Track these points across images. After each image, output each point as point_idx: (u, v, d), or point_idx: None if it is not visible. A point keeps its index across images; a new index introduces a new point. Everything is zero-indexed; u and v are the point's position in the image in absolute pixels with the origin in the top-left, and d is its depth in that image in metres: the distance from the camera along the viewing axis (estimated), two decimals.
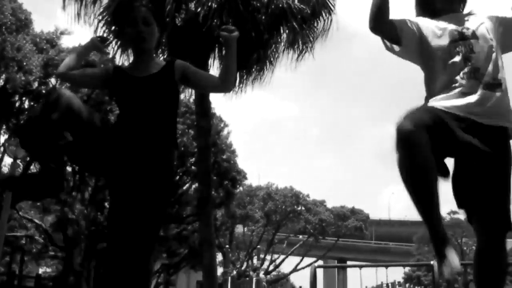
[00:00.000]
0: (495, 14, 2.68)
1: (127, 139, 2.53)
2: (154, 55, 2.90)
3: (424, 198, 2.18)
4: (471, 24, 2.57)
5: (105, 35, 9.90)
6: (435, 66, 2.52)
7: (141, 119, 2.57)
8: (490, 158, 2.37)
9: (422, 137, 2.12)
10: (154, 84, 2.64)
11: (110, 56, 10.19)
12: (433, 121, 2.23)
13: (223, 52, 10.59)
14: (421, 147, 2.11)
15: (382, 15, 2.50)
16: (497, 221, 2.37)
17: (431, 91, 2.53)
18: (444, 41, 2.52)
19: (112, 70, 2.74)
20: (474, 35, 2.52)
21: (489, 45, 2.51)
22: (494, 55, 2.50)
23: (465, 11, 2.75)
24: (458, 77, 2.44)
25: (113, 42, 9.73)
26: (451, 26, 2.55)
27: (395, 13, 2.58)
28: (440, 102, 2.40)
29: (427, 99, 2.54)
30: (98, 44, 2.79)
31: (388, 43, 2.63)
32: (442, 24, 2.58)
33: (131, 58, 2.99)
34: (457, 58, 2.47)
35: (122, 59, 10.08)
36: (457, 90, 2.41)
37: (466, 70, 2.44)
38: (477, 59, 2.46)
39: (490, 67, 2.45)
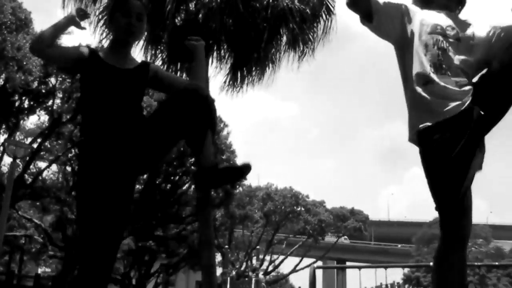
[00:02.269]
0: (489, 23, 2.69)
1: (103, 126, 2.57)
2: (156, 51, 2.95)
3: None
4: (458, 27, 2.61)
5: (104, 34, 9.90)
6: (411, 52, 2.58)
7: (115, 109, 2.59)
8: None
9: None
10: (132, 79, 2.68)
11: (97, 43, 10.06)
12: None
13: (223, 51, 10.64)
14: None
15: None
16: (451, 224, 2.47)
17: (407, 75, 2.61)
18: (425, 30, 2.57)
19: (88, 53, 2.68)
20: (456, 36, 2.57)
21: (467, 51, 2.56)
22: (468, 63, 2.54)
23: (462, 16, 2.78)
24: (429, 70, 2.49)
25: (104, 33, 9.75)
26: (436, 20, 2.60)
27: None
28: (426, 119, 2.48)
29: (405, 81, 2.63)
30: (76, 18, 2.70)
31: (361, 18, 2.69)
32: (430, 15, 2.63)
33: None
34: (433, 50, 2.52)
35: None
36: (426, 78, 2.49)
37: (438, 64, 2.49)
38: (449, 59, 2.50)
39: (458, 72, 2.50)
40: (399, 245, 56.58)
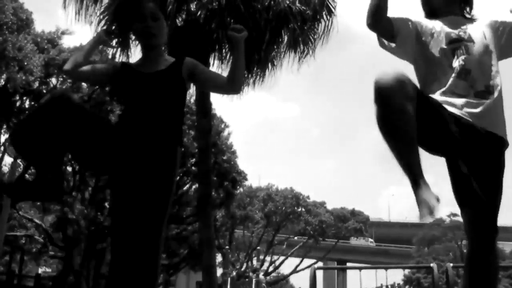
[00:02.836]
0: (495, 18, 2.67)
1: (131, 136, 2.50)
2: (164, 50, 2.88)
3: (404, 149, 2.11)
4: (468, 28, 2.58)
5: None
6: (430, 67, 2.53)
7: (146, 115, 2.53)
8: (482, 163, 2.37)
9: (407, 98, 2.05)
10: (161, 81, 2.61)
11: (110, 55, 10.16)
12: (424, 97, 2.24)
13: (224, 52, 10.64)
14: (403, 110, 2.04)
15: (380, 12, 2.48)
16: (485, 225, 2.37)
17: (424, 91, 2.50)
18: (441, 43, 2.52)
19: (120, 66, 2.72)
20: (470, 38, 2.53)
21: (484, 50, 2.52)
22: (488, 60, 2.51)
23: (468, 14, 2.74)
24: (451, 78, 2.44)
25: (113, 42, 9.73)
26: (448, 29, 2.56)
27: (396, 11, 2.59)
28: (436, 96, 2.42)
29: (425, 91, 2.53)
30: (104, 37, 2.77)
31: (382, 40, 2.62)
32: (440, 25, 2.59)
33: (133, 57, 2.99)
34: (451, 61, 2.47)
35: (122, 58, 10.07)
36: (448, 91, 2.42)
37: (458, 71, 2.44)
38: (470, 62, 2.46)
39: (482, 73, 2.46)
40: (370, 241, 56.53)
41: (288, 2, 9.80)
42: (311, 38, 10.44)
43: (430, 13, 2.70)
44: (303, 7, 9.93)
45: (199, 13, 9.54)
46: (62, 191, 2.45)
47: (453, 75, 2.44)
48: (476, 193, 2.35)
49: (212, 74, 2.87)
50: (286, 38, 10.43)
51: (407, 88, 2.07)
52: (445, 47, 2.51)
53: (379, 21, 2.50)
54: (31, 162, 2.45)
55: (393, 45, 2.58)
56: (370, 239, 57.10)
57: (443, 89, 2.44)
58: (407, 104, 2.04)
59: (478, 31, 2.57)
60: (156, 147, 2.51)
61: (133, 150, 2.49)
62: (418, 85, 2.54)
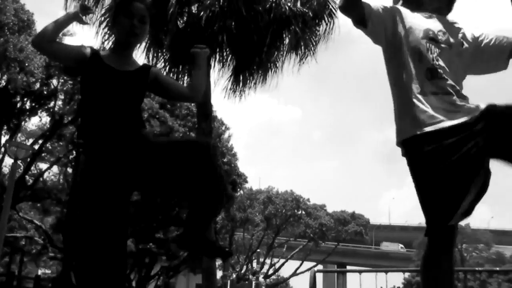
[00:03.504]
0: (478, 30, 2.69)
1: (102, 125, 2.56)
2: (158, 54, 2.92)
3: None
4: (448, 31, 2.59)
5: (106, 36, 9.92)
6: (402, 57, 2.55)
7: (111, 109, 2.58)
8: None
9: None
10: (129, 81, 2.66)
11: (100, 44, 10.08)
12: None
13: (225, 55, 10.64)
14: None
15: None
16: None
17: (397, 80, 2.57)
18: (417, 35, 2.53)
19: (90, 53, 2.68)
20: (448, 41, 2.54)
21: (458, 56, 2.54)
22: (458, 68, 2.53)
23: (450, 18, 2.75)
24: (423, 76, 2.46)
25: (106, 35, 9.77)
26: (428, 25, 2.57)
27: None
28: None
29: (395, 86, 2.59)
30: (79, 13, 2.72)
31: (356, 24, 2.66)
32: (421, 19, 2.61)
33: None
34: (426, 55, 2.49)
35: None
36: (427, 90, 2.43)
37: (433, 69, 2.46)
38: (443, 65, 2.47)
39: (452, 77, 2.47)
40: (400, 246, 56.57)
41: (289, 4, 9.81)
42: (312, 40, 10.45)
43: (418, 6, 2.70)
44: (304, 9, 9.95)
45: (200, 15, 9.55)
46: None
47: (427, 73, 2.46)
48: None
49: (174, 83, 3.03)
50: (287, 40, 10.44)
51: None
52: (420, 40, 2.52)
53: (352, 5, 2.55)
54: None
55: (363, 28, 2.62)
56: (401, 245, 57.19)
57: (419, 88, 2.46)
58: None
59: (458, 37, 2.59)
60: (125, 131, 2.59)
61: (107, 137, 2.55)
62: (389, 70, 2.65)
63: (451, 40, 2.55)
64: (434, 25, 2.58)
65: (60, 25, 2.65)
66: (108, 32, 9.86)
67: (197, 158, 2.49)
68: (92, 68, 2.63)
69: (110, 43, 9.37)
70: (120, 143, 2.55)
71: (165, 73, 10.40)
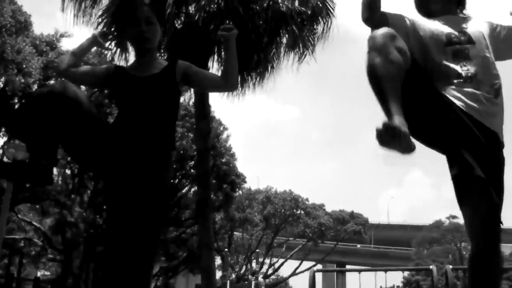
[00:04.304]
0: (492, 20, 2.67)
1: (124, 139, 2.50)
2: (158, 55, 2.89)
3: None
4: (467, 29, 2.57)
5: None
6: (428, 67, 2.51)
7: (140, 119, 2.54)
8: (485, 160, 2.35)
9: (399, 50, 2.19)
10: (155, 84, 2.61)
11: (109, 57, 10.15)
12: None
13: (223, 54, 10.64)
14: (394, 59, 2.16)
15: (375, 4, 2.52)
16: (490, 225, 2.32)
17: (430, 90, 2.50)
18: (440, 43, 2.51)
19: (114, 69, 2.71)
20: (470, 40, 2.52)
21: (485, 51, 2.51)
22: (490, 61, 2.51)
23: (464, 14, 2.73)
24: (454, 81, 2.43)
25: (112, 44, 9.73)
26: (447, 29, 2.55)
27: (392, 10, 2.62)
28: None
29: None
30: (99, 39, 2.75)
31: None
32: (438, 25, 2.58)
33: (131, 60, 3.00)
34: (452, 63, 2.46)
35: (121, 60, 10.08)
36: (455, 93, 2.41)
37: (462, 75, 2.43)
38: (473, 65, 2.45)
39: (486, 74, 2.45)
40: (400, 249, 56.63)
41: (286, 3, 9.81)
42: (310, 39, 10.45)
43: (428, 14, 2.69)
44: (302, 8, 9.95)
45: (197, 15, 9.54)
46: (51, 177, 2.43)
47: (459, 80, 2.43)
48: (480, 190, 2.32)
49: (206, 74, 2.93)
50: (285, 39, 10.45)
51: (400, 42, 2.22)
52: (444, 47, 2.49)
53: (375, 14, 2.53)
54: (27, 145, 2.43)
55: None
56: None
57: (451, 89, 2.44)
58: (399, 56, 2.17)
59: (477, 32, 2.56)
60: (149, 150, 2.51)
61: (127, 154, 2.49)
62: None
63: (473, 36, 2.53)
64: (452, 27, 2.56)
65: (82, 52, 2.71)
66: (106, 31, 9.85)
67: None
68: (118, 82, 2.64)
69: (111, 45, 9.38)
70: (138, 168, 2.48)
71: None
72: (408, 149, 2.10)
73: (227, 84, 2.71)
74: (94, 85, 2.85)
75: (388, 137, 1.99)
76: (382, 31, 2.22)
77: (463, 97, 2.40)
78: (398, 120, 2.05)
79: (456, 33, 2.53)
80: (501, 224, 2.35)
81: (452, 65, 2.46)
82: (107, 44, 2.83)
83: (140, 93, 2.58)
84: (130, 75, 2.66)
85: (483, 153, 2.35)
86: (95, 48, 2.88)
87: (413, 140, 2.13)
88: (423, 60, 2.51)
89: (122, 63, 9.79)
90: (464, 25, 2.59)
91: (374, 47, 2.19)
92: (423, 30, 2.56)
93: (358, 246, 53.03)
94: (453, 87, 2.43)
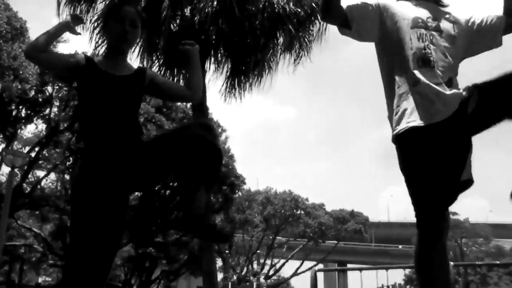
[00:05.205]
0: (471, 14, 2.69)
1: (100, 132, 2.56)
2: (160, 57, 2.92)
3: None
4: (437, 17, 2.59)
5: (99, 42, 9.91)
6: (394, 49, 2.56)
7: (109, 114, 2.58)
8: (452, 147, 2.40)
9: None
10: (127, 85, 2.66)
11: (92, 50, 10.08)
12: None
13: (219, 57, 10.64)
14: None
15: (329, 5, 2.56)
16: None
17: (391, 72, 2.58)
18: (406, 25, 2.54)
19: (84, 60, 2.67)
20: (437, 28, 2.54)
21: (449, 43, 2.53)
22: (453, 53, 2.53)
23: (442, 5, 2.74)
24: (413, 65, 2.47)
25: (99, 40, 9.76)
26: (416, 13, 2.57)
27: None
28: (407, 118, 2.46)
29: (389, 80, 2.60)
30: (70, 23, 2.68)
31: (341, 28, 2.66)
32: (408, 8, 2.61)
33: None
34: (418, 44, 2.49)
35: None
36: (418, 80, 2.44)
37: (425, 57, 2.46)
38: (435, 53, 2.48)
39: (444, 64, 2.48)
40: (400, 246, 56.62)
41: (282, 4, 9.81)
42: (306, 40, 10.46)
43: None
44: (297, 9, 9.95)
45: (193, 18, 9.55)
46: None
47: (416, 62, 2.47)
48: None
49: (172, 84, 3.06)
50: (281, 40, 10.46)
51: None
52: (409, 30, 2.53)
53: (331, 13, 2.58)
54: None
55: (348, 31, 2.63)
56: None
57: (411, 79, 2.47)
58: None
59: (448, 23, 2.59)
60: (123, 137, 2.58)
61: (105, 142, 2.55)
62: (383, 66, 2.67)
63: (441, 25, 2.56)
64: (422, 12, 2.58)
65: (52, 35, 2.63)
66: (102, 37, 9.85)
67: (196, 146, 2.46)
68: (88, 74, 2.63)
69: (104, 48, 9.37)
70: (118, 148, 2.53)
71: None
72: None
73: (193, 95, 2.83)
74: (58, 71, 2.81)
75: None
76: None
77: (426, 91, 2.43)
78: None
79: (424, 18, 2.56)
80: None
81: (415, 47, 2.49)
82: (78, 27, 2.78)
83: (112, 90, 2.61)
84: (102, 70, 2.65)
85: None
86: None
87: None
88: (396, 41, 2.56)
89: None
90: (436, 13, 2.61)
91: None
92: (395, 13, 2.59)
93: (359, 244, 53.05)
94: (417, 86, 2.46)
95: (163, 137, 2.69)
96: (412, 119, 2.42)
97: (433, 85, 2.41)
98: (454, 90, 2.45)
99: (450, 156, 2.36)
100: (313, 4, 10.13)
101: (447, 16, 2.63)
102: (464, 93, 2.44)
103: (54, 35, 2.64)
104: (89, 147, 2.56)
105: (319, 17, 10.36)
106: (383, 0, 2.66)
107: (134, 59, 10.15)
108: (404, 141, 2.46)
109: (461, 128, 2.37)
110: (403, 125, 2.44)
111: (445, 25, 2.57)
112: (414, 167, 2.43)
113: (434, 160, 2.35)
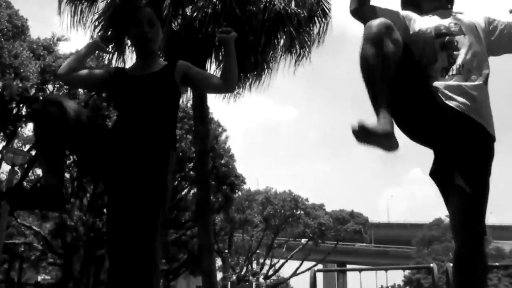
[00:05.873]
0: (487, 15, 2.67)
1: (123, 140, 2.50)
2: (160, 56, 2.91)
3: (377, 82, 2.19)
4: (458, 20, 2.57)
5: None
6: (423, 61, 2.51)
7: (137, 118, 2.54)
8: (471, 155, 2.35)
9: (394, 42, 2.19)
10: (153, 82, 2.62)
11: (106, 61, 10.15)
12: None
13: (221, 56, 10.63)
14: (388, 53, 2.16)
15: (364, 2, 2.54)
16: (472, 221, 2.30)
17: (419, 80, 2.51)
18: (430, 35, 2.51)
19: (114, 71, 2.73)
20: (460, 30, 2.52)
21: (476, 41, 2.51)
22: (480, 51, 2.50)
23: (454, 10, 2.73)
24: (443, 74, 2.44)
25: (109, 47, 9.72)
26: (436, 22, 2.55)
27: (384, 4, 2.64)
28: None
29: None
30: (100, 43, 2.76)
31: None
32: (429, 20, 2.59)
33: (128, 62, 3.00)
34: (442, 54, 2.46)
35: (119, 63, 10.08)
36: (443, 84, 2.41)
37: (450, 66, 2.44)
38: (462, 54, 2.45)
39: (475, 64, 2.45)
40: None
41: (283, 4, 9.80)
42: (307, 40, 10.45)
43: (419, 8, 2.70)
44: (298, 9, 9.94)
45: (194, 17, 9.54)
46: (64, 199, 2.46)
47: (445, 69, 2.44)
48: (461, 186, 2.30)
49: (206, 75, 2.91)
50: (282, 40, 10.44)
51: (395, 33, 2.22)
52: (433, 39, 2.50)
53: (363, 6, 2.54)
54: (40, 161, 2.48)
55: None
56: None
57: (438, 82, 2.44)
58: (393, 48, 2.18)
59: (468, 23, 2.57)
60: (148, 151, 2.50)
61: (126, 154, 2.48)
62: None
63: (464, 28, 2.53)
64: (442, 20, 2.57)
65: (83, 56, 2.72)
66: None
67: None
68: (116, 82, 2.65)
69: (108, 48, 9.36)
70: (134, 168, 2.48)
71: None
72: (390, 147, 2.11)
73: (226, 86, 2.70)
74: (93, 88, 2.85)
75: (364, 136, 2.01)
76: (379, 21, 2.21)
77: (449, 93, 2.39)
78: (383, 116, 2.09)
79: (446, 24, 2.54)
80: (484, 221, 2.33)
81: (440, 58, 2.47)
82: (108, 47, 2.82)
83: (138, 91, 2.59)
84: (130, 75, 2.67)
85: (466, 149, 2.34)
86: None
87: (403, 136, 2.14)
88: (419, 55, 2.52)
89: (121, 65, 9.78)
90: (454, 18, 2.60)
91: (369, 37, 2.19)
92: (416, 25, 2.57)
93: (359, 245, 53.06)
94: (441, 82, 2.43)
95: None
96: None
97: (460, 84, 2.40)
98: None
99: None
100: (314, 4, 10.13)
101: (465, 18, 2.61)
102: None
103: (85, 56, 2.73)
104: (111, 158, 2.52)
105: (320, 18, 10.37)
106: (406, 12, 2.65)
107: (135, 59, 10.16)
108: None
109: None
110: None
111: (466, 27, 2.54)
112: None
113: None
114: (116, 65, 9.98)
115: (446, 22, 2.55)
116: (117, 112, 2.70)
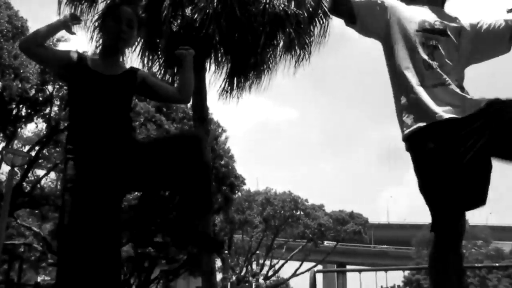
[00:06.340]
0: (477, 19, 2.68)
1: (89, 131, 2.56)
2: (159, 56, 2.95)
3: None
4: (445, 21, 2.58)
5: (100, 41, 9.90)
6: (400, 50, 2.55)
7: (100, 113, 2.58)
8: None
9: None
10: (117, 85, 2.66)
11: (93, 50, 10.08)
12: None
13: (219, 57, 10.63)
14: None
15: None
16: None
17: (396, 73, 2.55)
18: (412, 28, 2.53)
19: (76, 58, 2.68)
20: (444, 32, 2.53)
21: (455, 46, 2.53)
22: (460, 56, 2.53)
23: (446, 10, 2.74)
24: (423, 69, 2.46)
25: (100, 40, 9.75)
26: (422, 16, 2.56)
27: None
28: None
29: (395, 79, 2.59)
30: (68, 22, 2.71)
31: (346, 22, 2.67)
32: (415, 11, 2.60)
33: (128, 63, 3.00)
34: (421, 49, 2.48)
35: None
36: (427, 83, 2.43)
37: (429, 62, 2.45)
38: (440, 56, 2.47)
39: (449, 68, 2.46)
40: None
41: (283, 5, 9.81)
42: (307, 41, 10.45)
43: (410, 1, 2.71)
44: (298, 10, 9.94)
45: (194, 17, 9.55)
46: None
47: (424, 65, 2.46)
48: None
49: (162, 85, 3.01)
50: (282, 41, 10.44)
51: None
52: (415, 33, 2.52)
53: (338, 7, 2.59)
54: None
55: (353, 25, 2.63)
56: None
57: (420, 81, 2.45)
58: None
59: (453, 27, 2.58)
60: (116, 136, 2.59)
61: (96, 143, 2.55)
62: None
63: (448, 29, 2.54)
64: (429, 16, 2.57)
65: (49, 31, 2.66)
66: (100, 36, 9.86)
67: (186, 153, 2.50)
68: (78, 74, 2.63)
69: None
70: (110, 148, 2.54)
71: (160, 77, 10.40)
72: None
73: (182, 97, 2.85)
74: (51, 67, 2.83)
75: None
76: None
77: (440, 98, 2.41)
78: None
79: (431, 21, 2.55)
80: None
81: (420, 51, 2.49)
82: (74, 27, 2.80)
83: (102, 90, 2.62)
84: (92, 70, 2.66)
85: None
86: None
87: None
88: (395, 43, 2.57)
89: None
90: (442, 17, 2.60)
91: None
92: (399, 13, 2.59)
93: (358, 246, 53.05)
94: (421, 78, 2.45)
95: (156, 140, 2.77)
96: (420, 119, 2.41)
97: (442, 86, 2.40)
98: (468, 96, 2.43)
99: (470, 160, 2.28)
100: (313, 5, 10.12)
101: (455, 20, 2.63)
102: (479, 101, 2.41)
103: (50, 30, 2.67)
104: (79, 148, 2.56)
105: (319, 19, 10.37)
106: (392, 1, 2.66)
107: (134, 59, 10.15)
108: (415, 143, 2.44)
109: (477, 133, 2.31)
110: (414, 126, 2.43)
111: (452, 29, 2.56)
112: (431, 169, 2.37)
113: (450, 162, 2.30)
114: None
115: (432, 18, 2.56)
116: (73, 100, 2.68)
